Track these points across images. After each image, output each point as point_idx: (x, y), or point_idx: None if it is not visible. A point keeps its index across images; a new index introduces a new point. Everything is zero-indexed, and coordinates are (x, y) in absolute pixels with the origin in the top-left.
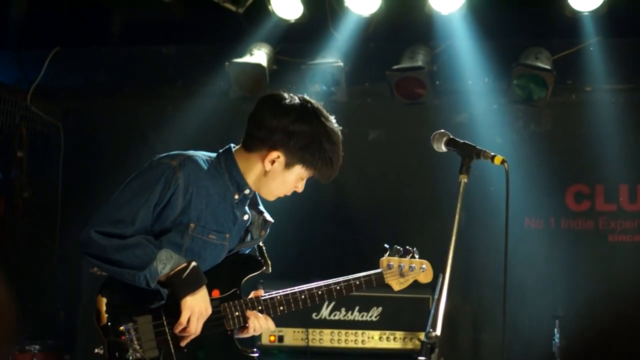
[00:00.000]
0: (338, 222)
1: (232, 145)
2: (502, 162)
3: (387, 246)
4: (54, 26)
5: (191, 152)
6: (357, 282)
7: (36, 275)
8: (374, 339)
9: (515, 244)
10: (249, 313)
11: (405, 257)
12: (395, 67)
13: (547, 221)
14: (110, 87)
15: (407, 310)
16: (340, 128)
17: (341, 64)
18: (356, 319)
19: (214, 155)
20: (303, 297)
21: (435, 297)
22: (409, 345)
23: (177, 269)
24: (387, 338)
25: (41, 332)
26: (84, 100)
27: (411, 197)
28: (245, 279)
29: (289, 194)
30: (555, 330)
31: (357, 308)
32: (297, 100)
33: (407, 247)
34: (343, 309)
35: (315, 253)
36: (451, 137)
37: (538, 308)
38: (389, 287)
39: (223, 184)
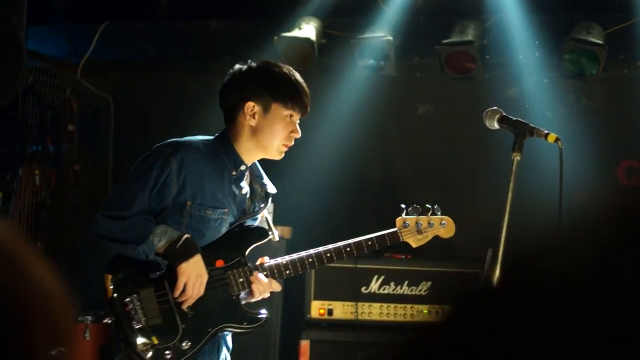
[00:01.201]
0: (384, 196)
1: (226, 127)
2: (556, 140)
3: (404, 206)
4: (104, 0)
5: (186, 138)
6: (370, 242)
7: (87, 247)
8: (423, 313)
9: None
10: (252, 278)
11: (425, 214)
12: (445, 41)
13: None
14: (159, 62)
15: (456, 284)
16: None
17: (390, 38)
18: (405, 292)
19: (211, 138)
20: (310, 260)
21: (484, 272)
22: None
23: (171, 241)
24: (437, 312)
25: (92, 303)
26: (133, 74)
27: (460, 173)
28: (250, 247)
29: (289, 142)
30: None
31: (406, 282)
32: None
33: (427, 205)
34: (392, 283)
35: (360, 225)
36: (504, 114)
37: None
38: (407, 245)
39: (219, 163)
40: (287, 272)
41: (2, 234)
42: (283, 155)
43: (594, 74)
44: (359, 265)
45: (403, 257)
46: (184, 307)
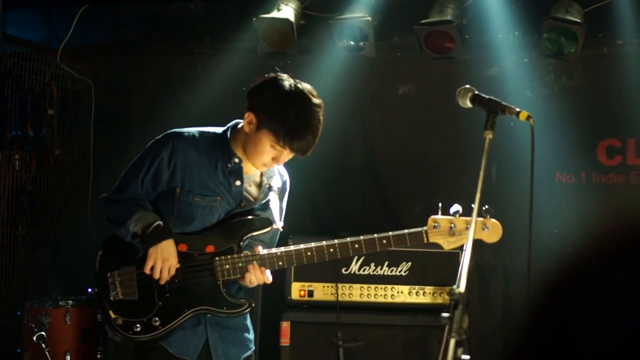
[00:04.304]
0: (366, 178)
1: (238, 121)
2: (528, 117)
3: (440, 204)
4: None
5: (184, 129)
6: (385, 240)
7: (68, 231)
8: (403, 294)
9: (546, 199)
10: (250, 266)
11: (463, 216)
12: (424, 21)
13: (578, 176)
14: (139, 44)
15: (436, 265)
16: (319, 102)
17: (369, 18)
18: (385, 273)
19: (220, 130)
20: (309, 253)
21: (464, 252)
22: (439, 300)
23: (144, 226)
24: (417, 293)
25: (74, 288)
26: (113, 57)
27: (441, 152)
28: (247, 236)
29: (269, 164)
30: None
31: (386, 263)
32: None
33: (473, 205)
34: (372, 264)
35: (343, 209)
36: (476, 92)
37: None
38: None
39: (214, 154)
40: (280, 263)
41: None
42: (265, 169)
43: (572, 52)
44: None
45: None
46: (161, 284)
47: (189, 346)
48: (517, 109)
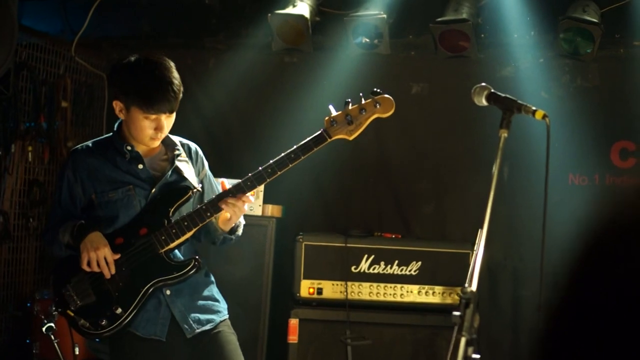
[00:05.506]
0: (379, 175)
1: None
2: (544, 116)
3: (331, 106)
4: None
5: (80, 145)
6: (293, 155)
7: None
8: (413, 293)
9: (559, 200)
10: (220, 203)
11: (353, 105)
12: (439, 19)
13: (591, 178)
14: (153, 38)
15: (446, 265)
16: (164, 61)
17: (384, 16)
18: (395, 272)
19: (110, 134)
20: (249, 183)
21: (475, 252)
22: (448, 300)
23: (70, 232)
24: (426, 292)
25: None
26: (127, 51)
27: (453, 151)
28: (174, 207)
29: (155, 136)
30: None
31: (396, 262)
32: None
33: (360, 94)
34: (382, 263)
35: (355, 206)
36: (492, 90)
37: None
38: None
39: (110, 153)
40: (249, 183)
41: None
42: (157, 143)
43: (588, 52)
44: (348, 245)
45: (393, 236)
46: (107, 277)
47: (156, 326)
48: (533, 108)
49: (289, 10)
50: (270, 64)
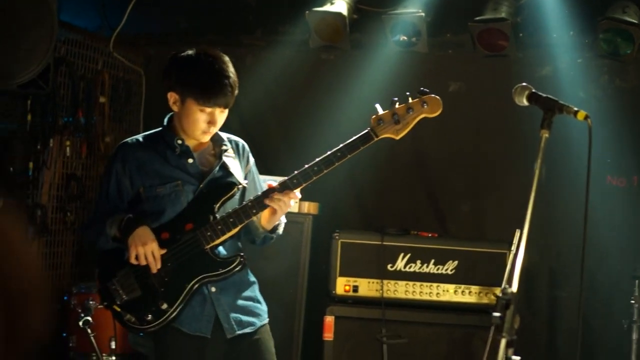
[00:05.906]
0: (415, 174)
1: (172, 112)
2: (586, 117)
3: (378, 105)
4: None
5: (129, 138)
6: (339, 154)
7: None
8: (449, 292)
9: (596, 201)
10: (267, 200)
11: (400, 104)
12: (478, 18)
13: (629, 179)
14: (190, 35)
15: (483, 265)
16: (223, 56)
17: (422, 14)
18: (431, 271)
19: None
20: (316, 168)
21: (512, 252)
22: (484, 300)
23: (117, 225)
24: (462, 292)
25: None
26: (165, 47)
27: (490, 151)
28: (219, 202)
29: (207, 130)
30: (635, 290)
31: (432, 261)
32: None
33: (407, 93)
34: (419, 262)
35: (391, 204)
36: (533, 90)
37: (617, 267)
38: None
39: (160, 147)
40: (295, 181)
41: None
42: (208, 137)
43: (628, 53)
44: (385, 243)
45: (430, 235)
46: (154, 272)
47: (201, 323)
48: (575, 109)
49: (327, 7)
50: (308, 61)
